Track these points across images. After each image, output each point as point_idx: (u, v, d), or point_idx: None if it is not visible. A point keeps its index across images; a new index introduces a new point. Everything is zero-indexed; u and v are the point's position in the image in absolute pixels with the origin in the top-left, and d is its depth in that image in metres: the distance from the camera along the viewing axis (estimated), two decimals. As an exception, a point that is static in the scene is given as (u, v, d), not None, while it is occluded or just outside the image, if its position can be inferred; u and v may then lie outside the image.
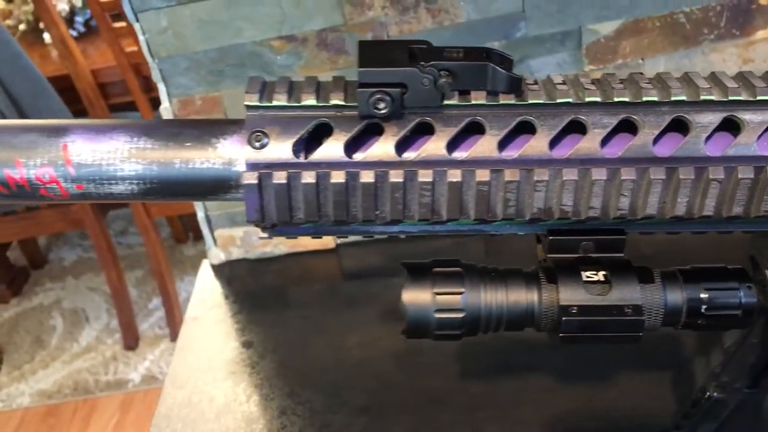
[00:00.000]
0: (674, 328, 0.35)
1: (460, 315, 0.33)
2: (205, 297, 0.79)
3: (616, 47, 0.70)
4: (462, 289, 0.33)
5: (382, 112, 0.31)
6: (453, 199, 0.32)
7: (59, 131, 0.33)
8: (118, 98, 1.83)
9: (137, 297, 2.21)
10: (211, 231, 0.81)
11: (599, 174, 0.32)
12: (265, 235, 0.35)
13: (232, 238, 0.81)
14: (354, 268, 0.81)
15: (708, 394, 0.43)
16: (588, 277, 0.33)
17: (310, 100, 0.32)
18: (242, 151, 0.33)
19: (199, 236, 2.42)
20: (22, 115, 1.63)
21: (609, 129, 0.32)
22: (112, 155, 0.33)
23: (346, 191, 0.32)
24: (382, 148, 0.32)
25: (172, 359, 0.72)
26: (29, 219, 1.89)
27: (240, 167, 0.33)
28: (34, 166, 0.33)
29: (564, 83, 0.33)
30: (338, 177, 0.32)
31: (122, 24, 1.64)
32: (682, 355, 0.62)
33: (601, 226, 0.34)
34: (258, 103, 0.32)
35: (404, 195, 0.32)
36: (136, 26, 0.70)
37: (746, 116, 0.32)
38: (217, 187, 0.33)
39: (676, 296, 0.34)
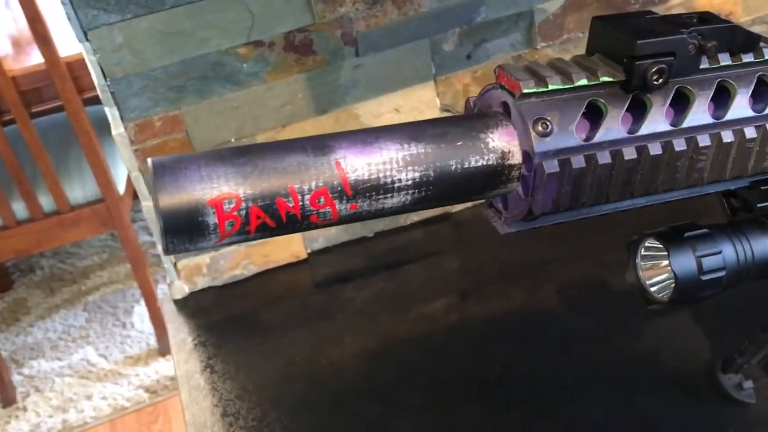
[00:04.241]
0: None
1: (723, 273, 0.34)
2: (185, 338, 0.72)
3: (562, 23, 0.75)
4: (720, 249, 0.35)
5: (659, 83, 0.32)
6: (721, 161, 0.34)
7: (324, 148, 0.29)
8: None
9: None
10: (174, 263, 0.74)
11: None
12: (513, 230, 0.34)
13: (197, 267, 0.75)
14: (334, 275, 0.78)
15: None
16: (812, 217, 0.36)
17: (582, 80, 0.32)
18: (514, 142, 0.32)
19: (4, 287, 2.14)
20: None
21: None
22: (387, 166, 0.30)
23: (635, 167, 0.32)
24: (656, 119, 0.32)
25: (185, 411, 0.64)
26: None
27: (515, 159, 0.32)
28: (309, 190, 0.29)
29: None
30: (630, 154, 0.32)
31: None
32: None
33: None
34: (535, 90, 0.31)
35: (684, 163, 0.33)
36: (86, 46, 0.61)
37: None
38: (489, 183, 0.32)
39: None
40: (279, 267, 0.78)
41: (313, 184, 0.29)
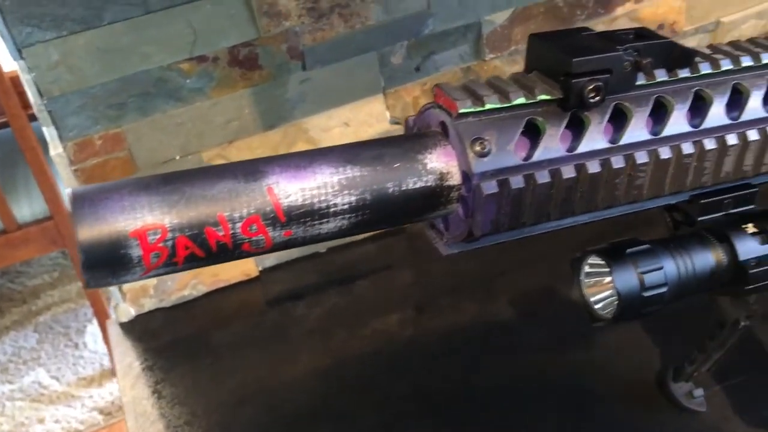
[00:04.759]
0: None
1: (665, 289, 0.34)
2: (132, 362, 0.70)
3: (509, 35, 0.75)
4: (661, 264, 0.34)
5: (595, 100, 0.31)
6: (660, 177, 0.34)
7: (256, 173, 0.28)
8: None
9: None
10: (119, 285, 0.71)
11: (755, 135, 0.35)
12: (455, 251, 0.33)
13: (144, 288, 0.73)
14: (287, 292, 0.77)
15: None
16: (752, 230, 0.36)
17: (520, 99, 0.31)
18: (453, 163, 0.31)
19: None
20: None
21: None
22: (322, 191, 0.29)
23: (574, 185, 0.32)
24: (594, 137, 0.32)
25: (131, 438, 0.62)
26: None
27: (454, 180, 0.31)
28: (240, 218, 0.28)
29: (715, 52, 0.36)
30: (569, 172, 0.31)
31: None
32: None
33: (730, 183, 0.38)
34: (472, 109, 0.31)
35: (622, 180, 0.33)
36: (20, 64, 0.59)
37: None
38: (428, 205, 0.31)
39: None
40: (229, 286, 0.76)
41: (245, 212, 0.28)
